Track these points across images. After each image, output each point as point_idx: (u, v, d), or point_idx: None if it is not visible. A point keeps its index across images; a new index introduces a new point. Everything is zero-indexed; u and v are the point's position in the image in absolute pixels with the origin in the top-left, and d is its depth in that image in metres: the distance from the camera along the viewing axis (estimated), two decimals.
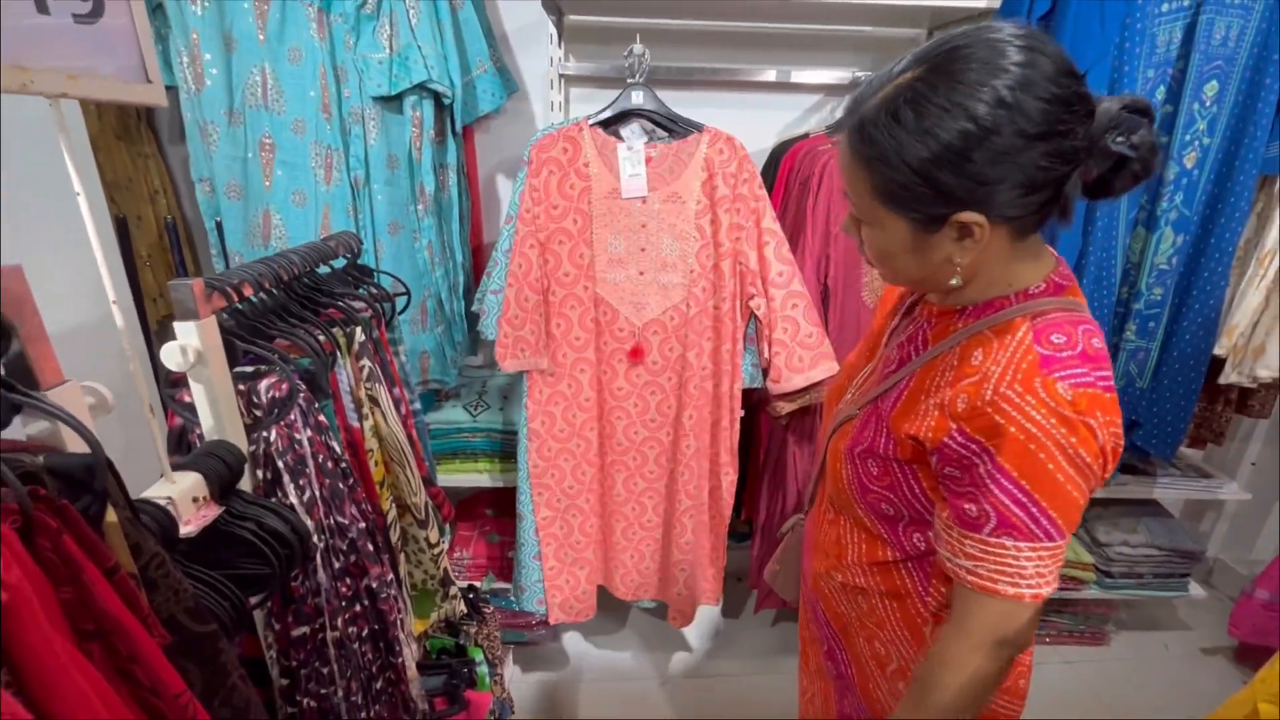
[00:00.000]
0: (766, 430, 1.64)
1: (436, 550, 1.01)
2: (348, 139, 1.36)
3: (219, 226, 1.37)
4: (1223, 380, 1.47)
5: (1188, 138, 1.30)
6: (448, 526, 1.11)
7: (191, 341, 0.63)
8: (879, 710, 0.81)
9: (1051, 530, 0.58)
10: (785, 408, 1.45)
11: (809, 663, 0.96)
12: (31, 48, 0.48)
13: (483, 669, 1.17)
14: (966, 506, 0.61)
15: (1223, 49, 1.25)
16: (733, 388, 1.45)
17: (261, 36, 1.27)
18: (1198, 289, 1.41)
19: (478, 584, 1.59)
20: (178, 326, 0.64)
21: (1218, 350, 1.45)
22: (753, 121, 1.75)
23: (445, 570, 1.03)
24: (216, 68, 1.28)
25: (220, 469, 0.64)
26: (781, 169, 1.54)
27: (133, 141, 1.61)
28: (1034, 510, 0.58)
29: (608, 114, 1.35)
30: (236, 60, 1.28)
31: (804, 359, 1.38)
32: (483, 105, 1.49)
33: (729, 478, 1.52)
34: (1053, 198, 0.58)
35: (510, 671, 1.41)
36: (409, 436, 0.99)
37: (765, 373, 1.43)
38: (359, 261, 1.06)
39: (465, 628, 1.19)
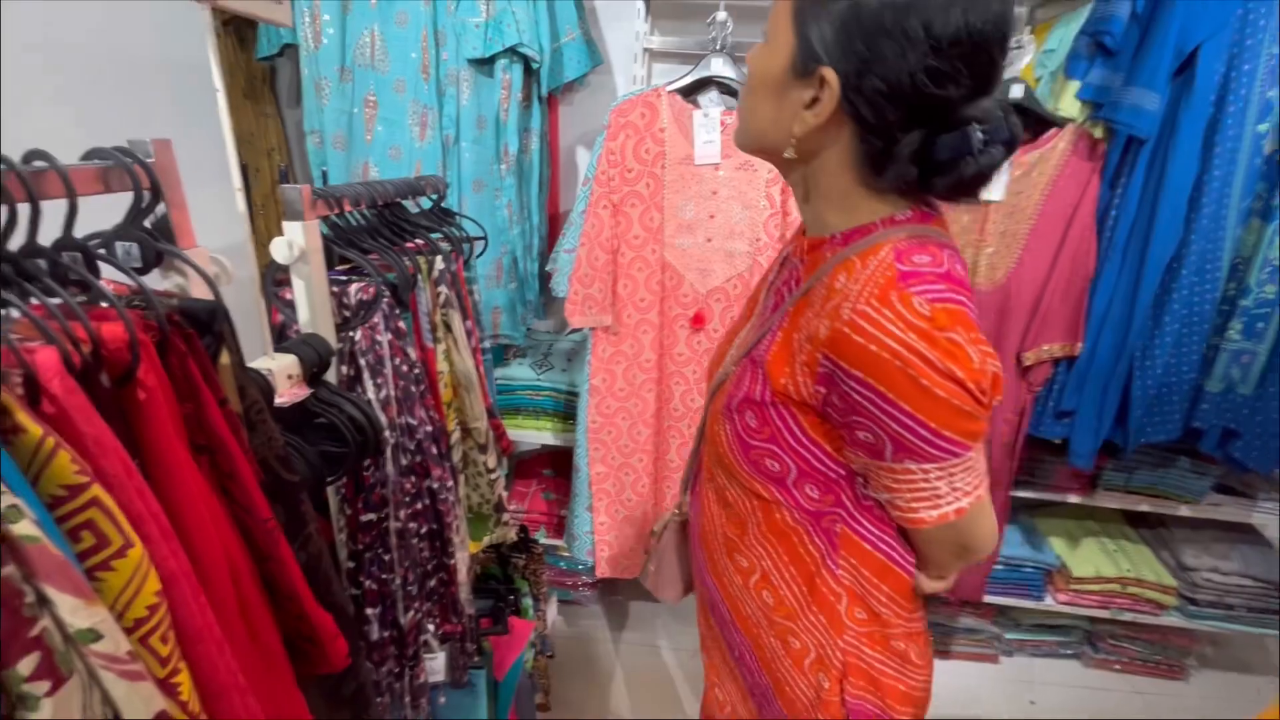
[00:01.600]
0: None
1: (494, 475, 1.07)
2: (442, 99, 1.45)
3: (324, 175, 1.50)
4: None
5: None
6: (504, 460, 1.18)
7: (297, 238, 0.71)
8: (806, 712, 0.73)
9: (953, 447, 0.56)
10: None
11: (712, 659, 0.88)
12: None
13: (527, 601, 1.23)
14: (863, 436, 0.59)
15: None
16: None
17: (373, 1, 1.39)
18: None
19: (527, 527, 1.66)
20: (286, 225, 0.72)
21: None
22: None
23: (500, 496, 1.09)
24: (333, 27, 1.40)
25: (311, 356, 0.72)
26: None
27: (257, 101, 1.78)
28: (923, 431, 0.55)
29: (687, 80, 1.38)
30: (351, 21, 1.40)
31: None
32: (568, 72, 1.55)
33: None
34: (894, 134, 0.56)
35: (553, 619, 1.47)
36: (476, 366, 1.06)
37: None
38: (443, 205, 1.14)
39: (514, 559, 1.26)
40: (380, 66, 1.41)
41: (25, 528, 0.35)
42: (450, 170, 1.50)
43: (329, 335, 0.77)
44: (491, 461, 1.06)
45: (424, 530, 0.87)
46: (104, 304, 0.46)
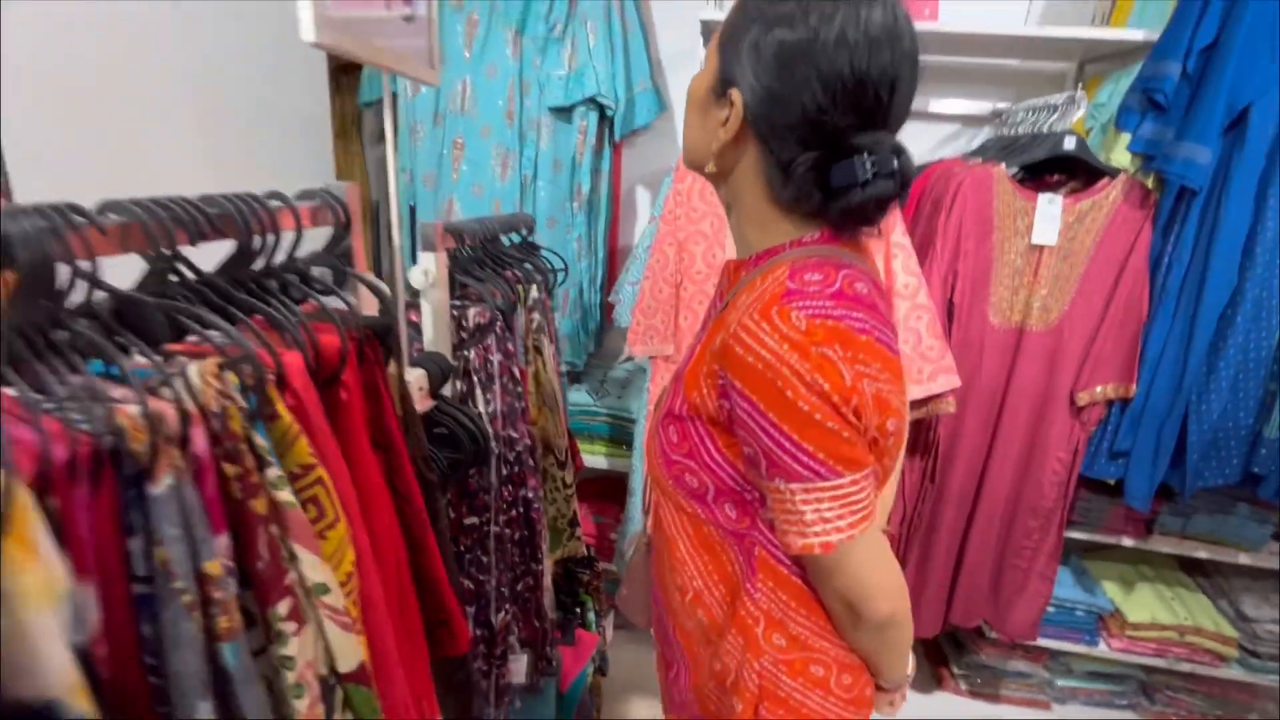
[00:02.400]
0: None
1: (570, 490, 1.14)
2: (523, 143, 1.58)
3: (412, 211, 1.63)
4: None
5: None
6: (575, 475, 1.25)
7: (431, 267, 0.81)
8: None
9: (818, 468, 0.56)
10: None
11: (665, 685, 0.87)
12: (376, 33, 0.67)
13: (591, 615, 1.29)
14: (747, 451, 0.60)
15: None
16: None
17: (467, 54, 1.53)
18: None
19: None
20: (422, 255, 0.82)
21: None
22: None
23: (575, 511, 1.16)
24: None
25: (436, 371, 0.81)
26: (914, 189, 1.59)
27: (348, 141, 1.95)
28: (789, 444, 0.55)
29: None
30: (444, 72, 1.54)
31: (924, 370, 1.42)
32: (639, 119, 1.67)
33: None
34: (791, 154, 0.60)
35: (610, 634, 1.52)
36: (559, 386, 1.14)
37: None
38: (530, 240, 1.24)
39: (580, 574, 1.32)
40: (470, 113, 1.55)
41: (286, 495, 0.43)
42: (526, 207, 1.61)
43: (448, 353, 0.86)
44: (569, 477, 1.13)
45: (517, 536, 0.95)
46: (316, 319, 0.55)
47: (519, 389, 0.94)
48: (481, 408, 0.87)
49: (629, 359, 1.65)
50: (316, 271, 0.61)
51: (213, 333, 0.44)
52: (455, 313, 0.88)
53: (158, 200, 0.45)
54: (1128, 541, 1.66)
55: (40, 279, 0.36)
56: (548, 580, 1.01)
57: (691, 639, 0.74)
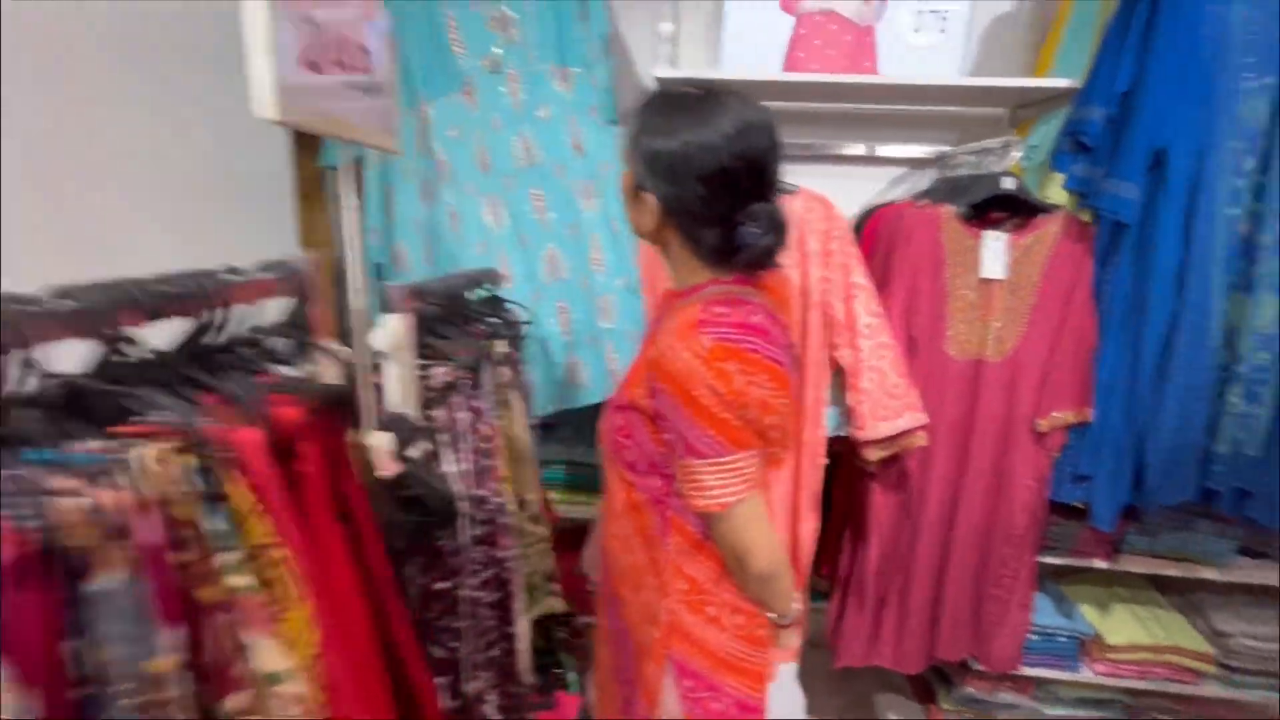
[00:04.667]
0: (848, 480, 1.68)
1: (545, 545, 1.12)
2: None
3: (379, 269, 1.63)
4: None
5: (1278, 205, 1.33)
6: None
7: (394, 329, 0.81)
8: (644, 656, 0.89)
9: (718, 447, 0.76)
10: (875, 454, 1.49)
11: (602, 624, 1.02)
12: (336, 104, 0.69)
13: (572, 675, 1.25)
14: (668, 436, 0.80)
15: None
16: (815, 434, 1.51)
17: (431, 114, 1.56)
18: None
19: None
20: (384, 317, 0.82)
21: None
22: (837, 191, 1.89)
23: (551, 566, 1.13)
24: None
25: (401, 434, 0.80)
26: (867, 231, 1.66)
27: (310, 199, 1.95)
28: (697, 430, 0.75)
29: None
30: (410, 132, 1.57)
31: (890, 408, 1.44)
32: None
33: (808, 524, 1.56)
34: (697, 230, 0.81)
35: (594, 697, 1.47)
36: (529, 440, 1.13)
37: (851, 421, 1.50)
38: (495, 294, 1.25)
39: (557, 634, 1.28)
40: (443, 170, 1.57)
41: (240, 580, 0.42)
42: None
43: (414, 414, 0.85)
44: (543, 531, 1.12)
45: (491, 599, 0.92)
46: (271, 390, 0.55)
47: (488, 446, 0.93)
48: (450, 467, 0.86)
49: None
50: (277, 342, 0.60)
51: (166, 413, 0.44)
52: (420, 372, 0.87)
53: (114, 283, 0.45)
54: (1099, 563, 1.69)
55: None
56: (524, 643, 0.98)
57: (624, 580, 0.92)
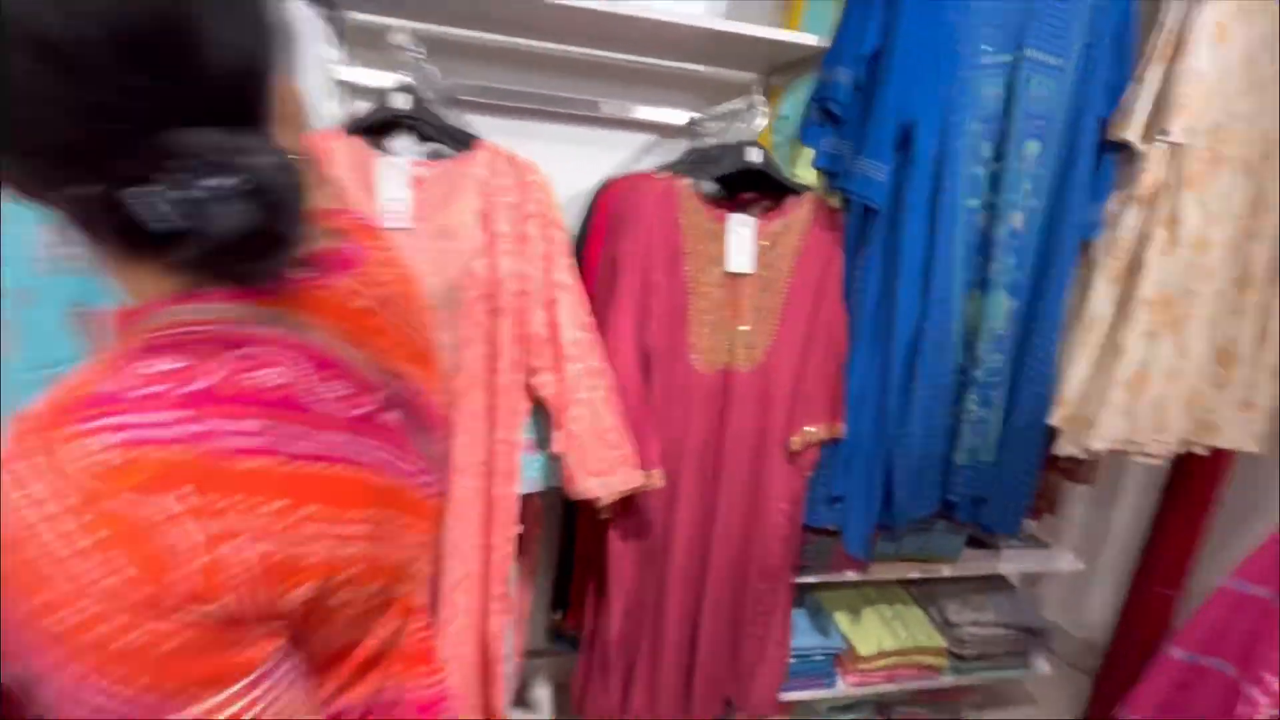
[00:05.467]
0: (588, 527, 1.34)
1: None
2: None
3: None
4: (1058, 452, 1.40)
5: (1014, 197, 1.23)
6: None
7: None
8: None
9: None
10: (602, 503, 1.15)
11: None
12: None
13: None
14: None
15: (1042, 108, 1.20)
16: (506, 492, 1.10)
17: None
18: (1030, 357, 1.34)
19: None
20: None
21: (1051, 420, 1.38)
22: (579, 158, 1.53)
23: None
24: None
25: None
26: (600, 210, 1.30)
27: None
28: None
29: (369, 119, 1.05)
30: None
31: (604, 459, 1.08)
32: None
33: (498, 621, 1.14)
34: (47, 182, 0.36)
35: None
36: None
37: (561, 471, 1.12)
38: None
39: None
40: None
41: None
42: None
43: None
44: None
45: None
46: None
47: None
48: None
49: None
50: None
51: None
52: None
53: None
54: (851, 575, 1.60)
55: None
56: None
57: None
